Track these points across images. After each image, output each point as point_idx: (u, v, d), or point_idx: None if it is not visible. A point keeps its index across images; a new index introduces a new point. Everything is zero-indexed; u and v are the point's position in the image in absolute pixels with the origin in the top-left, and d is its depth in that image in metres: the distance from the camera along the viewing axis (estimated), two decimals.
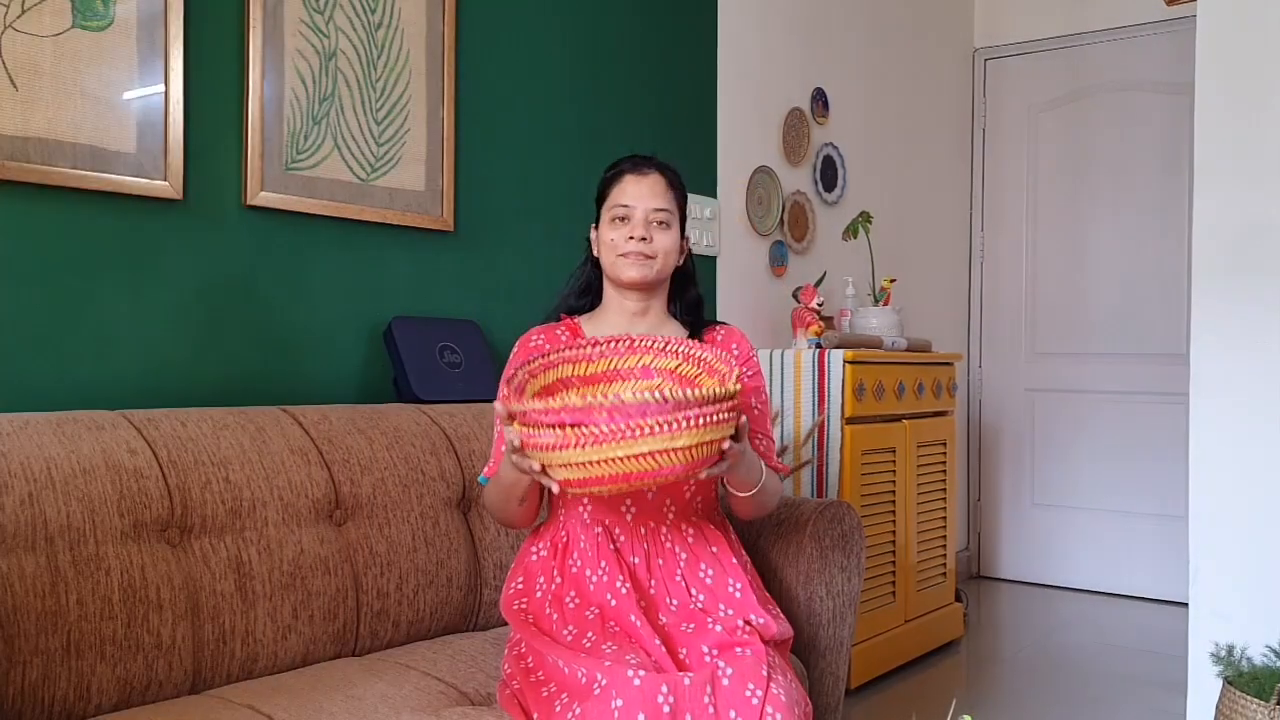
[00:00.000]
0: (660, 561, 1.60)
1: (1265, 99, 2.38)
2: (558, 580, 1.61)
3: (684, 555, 1.61)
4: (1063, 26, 4.62)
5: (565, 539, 1.64)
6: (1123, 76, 4.49)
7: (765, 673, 1.38)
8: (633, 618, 1.49)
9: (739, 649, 1.44)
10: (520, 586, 1.65)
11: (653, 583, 1.58)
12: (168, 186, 1.95)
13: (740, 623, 1.51)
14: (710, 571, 1.60)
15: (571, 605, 1.56)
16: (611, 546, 1.60)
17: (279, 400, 2.11)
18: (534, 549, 1.68)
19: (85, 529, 1.48)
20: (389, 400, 2.29)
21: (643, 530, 1.61)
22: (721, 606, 1.56)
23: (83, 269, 1.86)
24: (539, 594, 1.61)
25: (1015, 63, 4.78)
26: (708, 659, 1.42)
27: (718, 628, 1.48)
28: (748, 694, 1.35)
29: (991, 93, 4.85)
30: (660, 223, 1.67)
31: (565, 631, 1.49)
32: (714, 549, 1.63)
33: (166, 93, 1.95)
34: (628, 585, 1.55)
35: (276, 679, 1.61)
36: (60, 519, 1.46)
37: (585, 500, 1.61)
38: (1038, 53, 4.71)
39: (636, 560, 1.60)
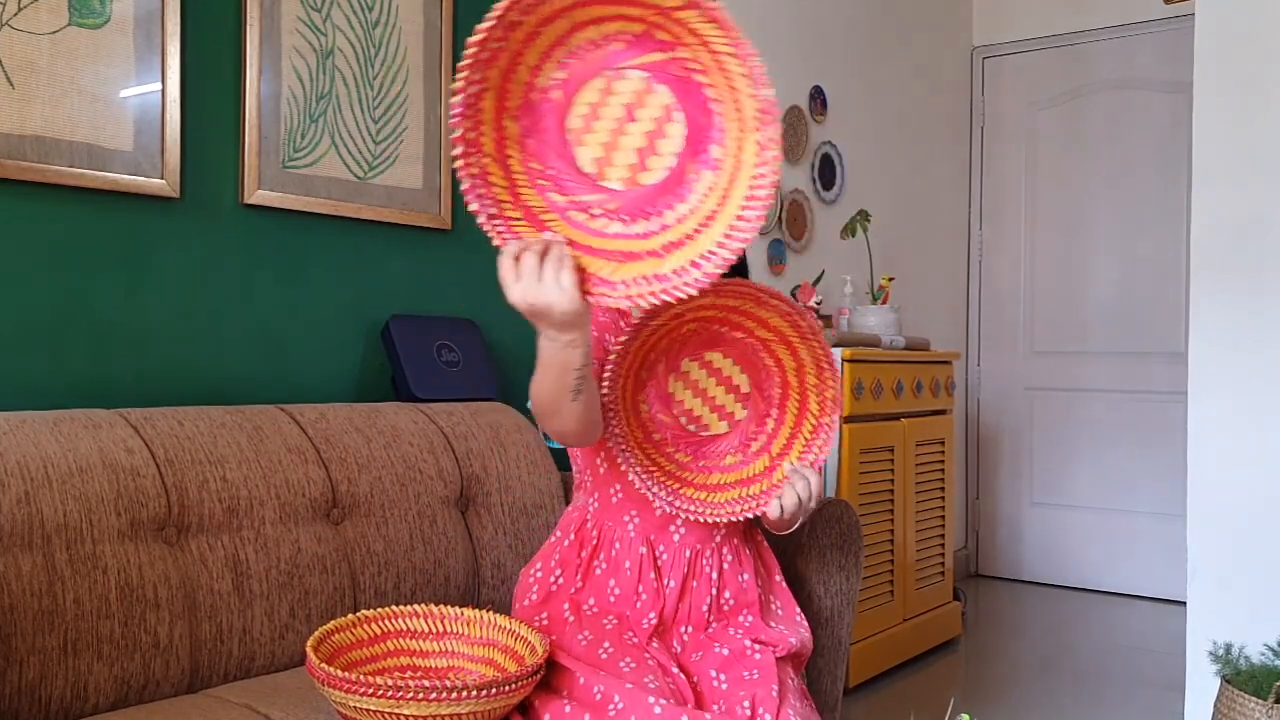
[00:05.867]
0: (695, 584, 1.54)
1: (1264, 96, 2.38)
2: (578, 584, 1.54)
3: (716, 583, 1.55)
4: (1061, 25, 4.62)
5: (596, 538, 1.55)
6: (1121, 74, 4.49)
7: (775, 693, 1.35)
8: (654, 644, 1.46)
9: (746, 672, 1.41)
10: (538, 575, 1.57)
11: (679, 608, 1.53)
12: (165, 185, 1.95)
13: (748, 642, 1.47)
14: (732, 602, 1.56)
15: (590, 612, 1.51)
16: (652, 573, 1.52)
17: (276, 399, 2.11)
18: (559, 540, 1.59)
19: (82, 528, 1.48)
20: (386, 399, 2.28)
21: (687, 553, 1.54)
22: (731, 630, 1.52)
23: (79, 267, 1.86)
24: (553, 587, 1.55)
25: (1014, 61, 4.78)
26: (715, 683, 1.40)
27: (725, 650, 1.46)
28: None
29: (990, 91, 4.85)
30: None
31: (580, 637, 1.44)
32: (743, 577, 1.57)
33: (164, 90, 1.94)
34: (653, 619, 1.50)
35: (274, 678, 1.61)
36: (57, 518, 1.46)
37: (632, 510, 1.53)
38: (1036, 51, 4.71)
39: (672, 584, 1.53)
